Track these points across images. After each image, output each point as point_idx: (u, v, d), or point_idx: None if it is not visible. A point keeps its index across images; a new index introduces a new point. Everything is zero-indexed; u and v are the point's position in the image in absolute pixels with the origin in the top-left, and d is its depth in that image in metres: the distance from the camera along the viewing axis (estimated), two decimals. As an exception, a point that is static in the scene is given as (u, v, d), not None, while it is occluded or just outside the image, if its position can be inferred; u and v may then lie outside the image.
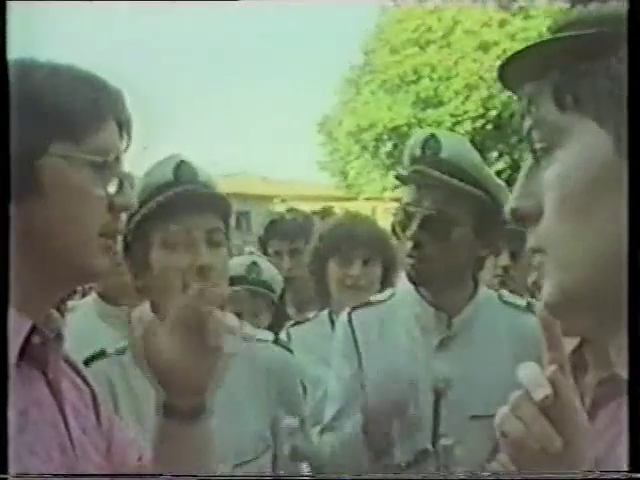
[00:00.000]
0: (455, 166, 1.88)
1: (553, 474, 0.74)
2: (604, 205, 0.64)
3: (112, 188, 1.08)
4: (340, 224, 2.68)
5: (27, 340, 1.01)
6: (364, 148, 21.30)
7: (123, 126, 1.11)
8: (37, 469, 0.99)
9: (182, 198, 1.64)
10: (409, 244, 1.90)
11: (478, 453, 1.76)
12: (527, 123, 0.70)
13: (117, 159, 1.09)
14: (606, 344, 0.71)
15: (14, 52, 0.88)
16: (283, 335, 2.55)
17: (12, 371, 0.96)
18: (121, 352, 1.69)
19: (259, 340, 1.82)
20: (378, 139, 20.89)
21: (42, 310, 1.07)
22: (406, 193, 1.95)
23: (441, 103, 20.36)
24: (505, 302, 2.03)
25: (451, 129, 19.30)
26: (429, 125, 20.04)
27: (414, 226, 1.88)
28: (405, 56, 20.78)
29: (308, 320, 2.70)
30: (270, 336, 1.87)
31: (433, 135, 1.93)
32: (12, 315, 0.97)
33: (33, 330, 1.02)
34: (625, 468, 0.66)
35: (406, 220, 1.91)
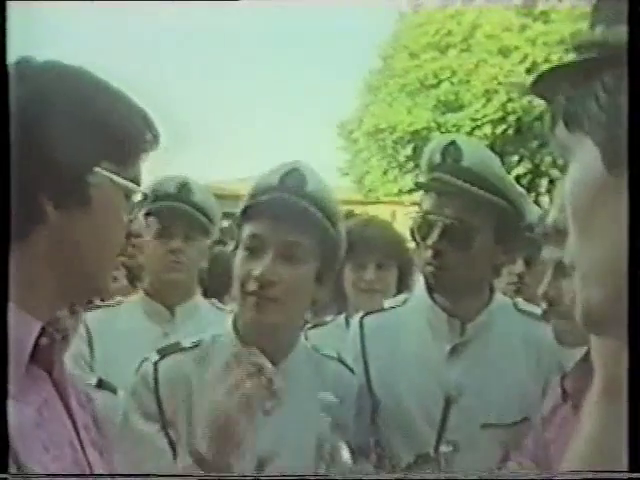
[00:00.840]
0: (476, 174, 1.84)
1: (553, 474, 0.73)
2: (605, 217, 0.67)
3: (132, 216, 1.14)
4: (354, 228, 2.67)
5: (36, 341, 1.03)
6: (383, 151, 21.26)
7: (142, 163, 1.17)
8: (51, 466, 1.00)
9: (273, 204, 1.62)
10: (429, 252, 1.88)
11: (487, 462, 1.75)
12: (553, 142, 0.75)
13: (148, 192, 1.14)
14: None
15: (14, 52, 0.89)
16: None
17: (22, 371, 0.99)
18: (196, 345, 1.71)
19: (325, 355, 1.80)
20: (398, 142, 20.85)
21: (52, 313, 1.09)
22: (426, 200, 1.93)
23: (461, 107, 20.29)
24: (520, 310, 2.01)
25: (470, 133, 19.25)
26: (449, 129, 19.98)
27: (435, 235, 1.86)
28: (425, 60, 20.74)
29: (325, 324, 2.69)
30: (335, 353, 1.84)
31: (454, 142, 1.90)
32: (23, 317, 1.01)
33: (42, 331, 1.04)
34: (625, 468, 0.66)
35: (426, 228, 1.89)
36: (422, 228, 1.91)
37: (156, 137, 1.14)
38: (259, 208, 1.63)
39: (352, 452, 1.49)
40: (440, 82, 20.62)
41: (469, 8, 20.57)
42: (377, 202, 20.78)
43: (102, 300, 2.45)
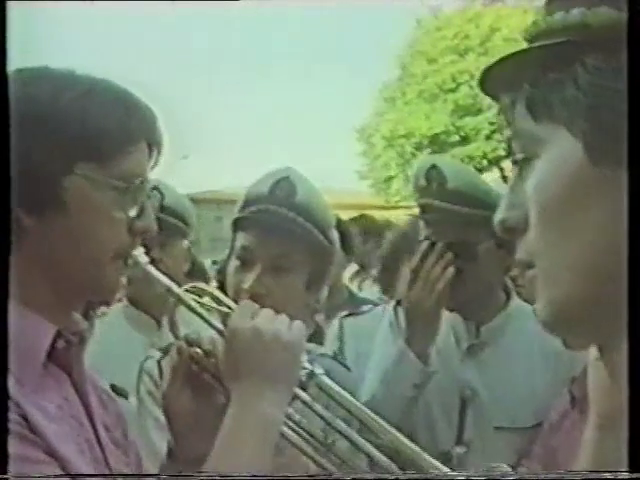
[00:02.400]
0: (463, 194, 1.85)
1: (553, 474, 0.72)
2: (582, 214, 0.63)
3: (133, 212, 1.10)
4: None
5: (53, 344, 1.06)
6: (402, 156, 21.24)
7: (153, 146, 1.12)
8: (73, 460, 1.03)
9: (262, 216, 1.62)
10: (437, 271, 1.87)
11: (499, 465, 1.73)
12: (507, 134, 0.70)
13: (142, 183, 1.10)
14: (612, 357, 0.67)
15: (14, 52, 0.89)
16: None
17: (39, 371, 1.03)
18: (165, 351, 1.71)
19: (321, 354, 1.78)
20: (416, 147, 20.82)
21: (64, 317, 1.11)
22: (421, 226, 1.94)
23: (479, 111, 20.21)
24: None
25: (489, 137, 19.25)
26: (467, 133, 19.97)
27: (439, 258, 1.87)
28: (443, 64, 20.72)
29: (362, 313, 2.70)
30: (329, 351, 1.85)
31: (435, 166, 1.90)
32: (37, 320, 1.04)
33: (58, 335, 1.07)
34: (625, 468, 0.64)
35: (429, 252, 1.89)
36: (425, 253, 1.91)
37: (145, 121, 1.10)
38: (249, 219, 1.64)
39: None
40: (458, 86, 20.59)
41: (487, 11, 20.55)
42: (397, 207, 20.76)
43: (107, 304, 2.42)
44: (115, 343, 2.35)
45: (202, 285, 1.43)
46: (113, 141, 1.06)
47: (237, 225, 1.68)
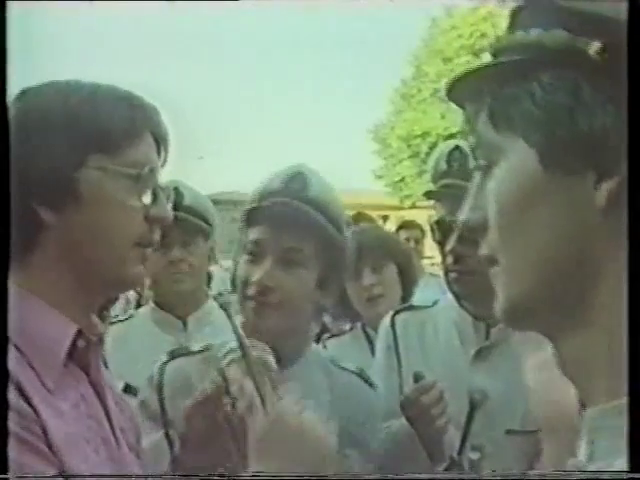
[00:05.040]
0: None
1: (553, 474, 0.73)
2: (535, 215, 0.69)
3: (147, 199, 1.13)
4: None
5: (74, 343, 1.09)
6: (417, 156, 21.24)
7: (160, 140, 1.18)
8: (89, 459, 1.05)
9: (274, 209, 1.59)
10: (449, 259, 1.87)
11: (510, 469, 1.72)
12: (471, 141, 0.78)
13: (152, 171, 1.14)
14: (562, 350, 0.72)
15: (14, 52, 0.89)
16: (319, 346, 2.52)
17: (59, 370, 1.06)
18: (205, 349, 1.71)
19: (344, 369, 1.76)
20: (432, 147, 20.80)
21: (85, 315, 1.14)
22: (438, 208, 1.93)
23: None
24: None
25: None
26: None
27: (452, 240, 1.85)
28: (458, 64, 20.68)
29: (344, 333, 2.68)
30: (355, 367, 1.79)
31: (457, 147, 1.90)
32: (59, 318, 1.08)
33: (79, 334, 1.10)
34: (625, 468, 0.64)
35: (442, 235, 1.89)
36: (438, 235, 1.90)
37: (147, 115, 1.15)
38: (261, 213, 1.62)
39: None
40: (474, 85, 20.55)
41: (502, 9, 20.48)
42: (412, 207, 20.74)
43: (136, 291, 2.39)
44: (142, 344, 2.36)
45: None
46: (120, 133, 1.11)
47: (249, 219, 1.65)
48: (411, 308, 2.08)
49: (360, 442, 1.64)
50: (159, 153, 1.18)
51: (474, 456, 1.76)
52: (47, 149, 1.07)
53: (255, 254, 1.61)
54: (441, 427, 1.72)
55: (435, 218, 1.93)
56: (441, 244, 1.90)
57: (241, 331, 1.43)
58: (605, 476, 0.65)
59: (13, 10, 0.88)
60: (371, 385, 1.77)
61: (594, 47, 0.65)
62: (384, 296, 2.52)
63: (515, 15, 0.73)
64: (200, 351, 1.71)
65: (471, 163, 1.87)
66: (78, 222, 1.08)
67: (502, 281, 0.73)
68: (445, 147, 1.97)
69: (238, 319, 1.60)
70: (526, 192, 0.69)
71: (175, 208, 2.35)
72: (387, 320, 2.04)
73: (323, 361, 1.76)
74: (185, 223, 2.36)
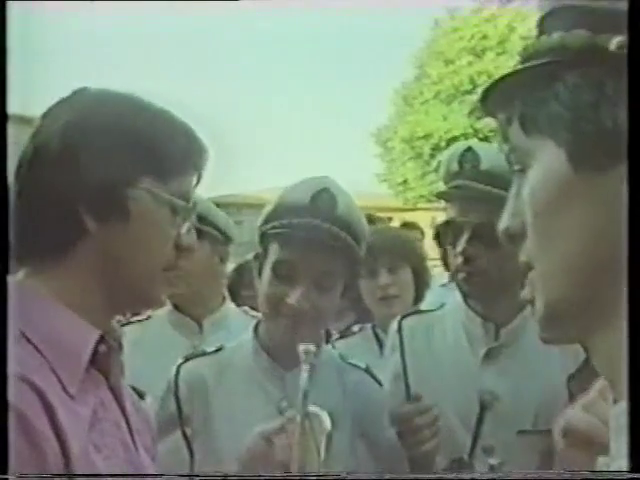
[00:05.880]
0: (496, 176, 1.82)
1: (553, 474, 0.73)
2: (568, 217, 0.69)
3: (184, 230, 1.18)
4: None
5: (96, 348, 1.11)
6: (420, 158, 21.25)
7: (200, 179, 1.23)
8: (101, 464, 1.05)
9: (304, 229, 1.61)
10: (459, 259, 1.86)
11: (524, 470, 1.72)
12: (505, 148, 0.78)
13: (194, 207, 1.20)
14: (596, 351, 0.72)
15: (14, 52, 0.89)
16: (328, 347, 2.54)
17: (81, 374, 1.08)
18: (218, 350, 1.77)
19: (352, 365, 1.80)
20: (434, 149, 20.83)
21: (107, 322, 1.16)
22: (449, 209, 1.92)
23: (498, 112, 20.20)
24: None
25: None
26: (486, 135, 19.91)
27: (463, 240, 1.84)
28: (460, 66, 20.71)
29: (353, 334, 2.68)
30: (363, 364, 1.84)
31: (470, 148, 1.90)
32: (82, 324, 1.10)
33: (101, 339, 1.12)
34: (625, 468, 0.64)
35: (452, 235, 1.88)
36: (448, 235, 1.90)
37: (201, 153, 1.20)
38: (290, 231, 1.63)
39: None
40: (476, 87, 20.58)
41: (504, 10, 20.50)
42: (415, 209, 20.75)
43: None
44: (159, 346, 2.39)
45: None
46: (174, 162, 1.15)
47: (275, 236, 1.66)
48: (418, 312, 2.07)
49: (369, 437, 1.69)
50: (195, 188, 1.23)
51: (493, 461, 1.76)
52: (105, 161, 1.09)
53: (286, 275, 1.64)
54: (430, 451, 1.74)
55: (445, 219, 1.92)
56: (451, 244, 1.89)
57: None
58: (605, 476, 0.65)
59: (13, 10, 0.88)
60: (379, 382, 1.81)
61: (614, 42, 0.66)
62: (399, 297, 2.52)
63: (541, 21, 0.75)
64: (214, 352, 1.78)
65: (484, 164, 1.86)
66: (119, 237, 1.11)
67: (539, 288, 0.73)
68: (457, 148, 1.96)
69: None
70: (558, 193, 0.70)
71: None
72: (394, 325, 2.04)
73: (334, 358, 1.81)
74: (201, 234, 2.34)
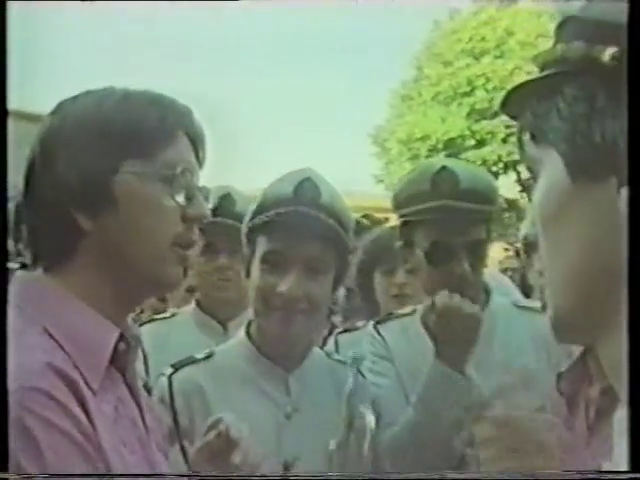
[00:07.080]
0: (474, 192, 1.85)
1: (553, 474, 0.75)
2: (569, 226, 0.71)
3: (181, 199, 1.14)
4: (383, 235, 2.68)
5: (115, 346, 1.12)
6: (417, 159, 21.21)
7: (196, 140, 1.20)
8: (126, 459, 1.07)
9: (290, 218, 1.61)
10: (455, 277, 1.86)
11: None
12: (521, 157, 0.80)
13: (186, 171, 1.15)
14: (600, 355, 0.74)
15: (14, 52, 0.89)
16: (331, 343, 2.56)
17: (102, 372, 1.08)
18: (209, 356, 1.73)
19: (337, 361, 1.80)
20: (432, 151, 20.79)
21: (124, 320, 1.17)
22: (432, 228, 1.90)
23: (495, 114, 20.14)
24: (520, 307, 2.01)
25: (505, 140, 19.18)
26: (483, 137, 19.92)
27: (455, 259, 1.86)
28: (459, 68, 20.68)
29: (357, 329, 2.68)
30: (348, 359, 1.81)
31: (444, 167, 1.90)
32: (102, 322, 1.10)
33: (120, 337, 1.13)
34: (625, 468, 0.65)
35: (442, 253, 1.88)
36: (436, 254, 1.89)
37: (180, 115, 1.17)
38: (276, 221, 1.63)
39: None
40: (474, 89, 20.55)
41: (503, 14, 20.50)
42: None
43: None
44: (183, 345, 2.31)
45: None
46: (152, 136, 1.13)
47: (260, 226, 1.66)
48: (390, 317, 2.10)
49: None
50: (196, 153, 1.20)
51: (471, 452, 1.76)
52: (83, 157, 1.09)
53: (276, 264, 1.63)
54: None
55: (436, 236, 1.91)
56: (443, 262, 1.89)
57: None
58: (605, 476, 0.65)
59: (13, 10, 0.89)
60: (363, 375, 1.78)
61: (608, 53, 0.67)
62: (412, 298, 2.49)
63: (556, 30, 0.76)
64: (204, 358, 1.73)
65: (463, 183, 1.87)
66: (115, 226, 1.10)
67: (548, 294, 0.75)
68: (431, 167, 1.95)
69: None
70: (559, 203, 0.71)
71: (225, 215, 2.34)
72: (370, 329, 2.06)
73: (323, 357, 1.81)
74: (235, 231, 2.20)
